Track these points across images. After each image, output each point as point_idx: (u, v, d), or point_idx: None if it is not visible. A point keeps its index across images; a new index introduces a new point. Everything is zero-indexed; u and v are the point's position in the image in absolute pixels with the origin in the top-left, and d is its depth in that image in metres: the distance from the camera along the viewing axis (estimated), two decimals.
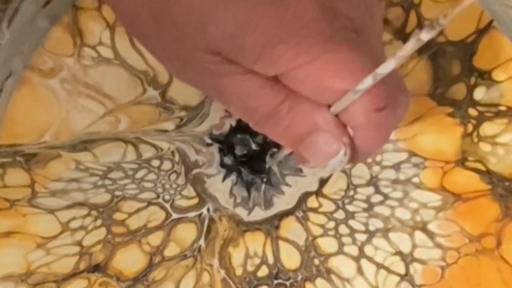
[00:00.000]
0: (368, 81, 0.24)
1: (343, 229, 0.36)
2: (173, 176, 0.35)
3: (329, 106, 0.26)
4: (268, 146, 0.35)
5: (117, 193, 0.35)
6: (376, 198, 0.36)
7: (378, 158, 0.35)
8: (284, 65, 0.24)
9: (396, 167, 0.35)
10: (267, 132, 0.28)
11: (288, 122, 0.27)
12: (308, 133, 0.27)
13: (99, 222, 0.35)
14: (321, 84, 0.25)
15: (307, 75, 0.25)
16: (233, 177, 0.36)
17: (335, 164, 0.27)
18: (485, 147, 0.35)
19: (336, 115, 0.26)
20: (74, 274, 0.35)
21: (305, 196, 0.36)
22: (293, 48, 0.24)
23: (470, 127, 0.35)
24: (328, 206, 0.36)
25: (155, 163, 0.35)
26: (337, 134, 0.27)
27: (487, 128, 0.35)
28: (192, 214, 0.35)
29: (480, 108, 0.35)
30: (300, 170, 0.36)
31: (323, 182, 0.36)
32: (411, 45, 0.21)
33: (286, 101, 0.26)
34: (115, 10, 0.29)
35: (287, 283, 0.36)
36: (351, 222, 0.36)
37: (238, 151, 0.36)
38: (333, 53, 0.24)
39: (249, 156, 0.36)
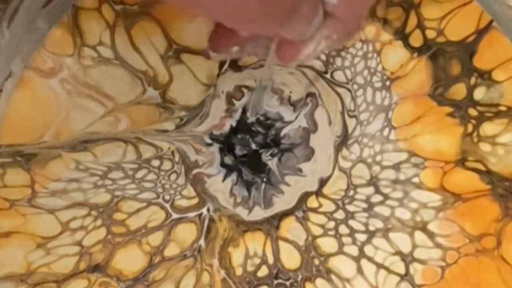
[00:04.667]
0: None
1: (343, 229, 0.36)
2: (173, 176, 0.35)
3: None
4: (268, 146, 0.35)
5: (117, 193, 0.35)
6: (376, 198, 0.36)
7: (378, 158, 0.35)
8: None
9: (396, 167, 0.35)
10: (256, 23, 0.26)
11: (277, 1, 0.25)
12: (295, 5, 0.26)
13: (99, 222, 0.35)
14: None
15: None
16: (233, 177, 0.36)
17: (316, 23, 0.27)
18: (485, 147, 0.35)
19: None
20: (74, 274, 0.35)
21: (305, 196, 0.36)
22: None
23: (470, 127, 0.35)
24: (328, 206, 0.36)
25: (155, 163, 0.35)
26: None
27: (487, 128, 0.35)
28: (192, 214, 0.35)
29: (480, 108, 0.35)
30: (300, 170, 0.36)
31: (323, 182, 0.36)
32: None
33: None
34: None
35: (287, 283, 0.36)
36: (351, 222, 0.36)
37: (238, 151, 0.36)
38: None
39: (249, 156, 0.36)
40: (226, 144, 0.35)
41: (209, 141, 0.35)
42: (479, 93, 0.35)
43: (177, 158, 0.35)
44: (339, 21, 0.27)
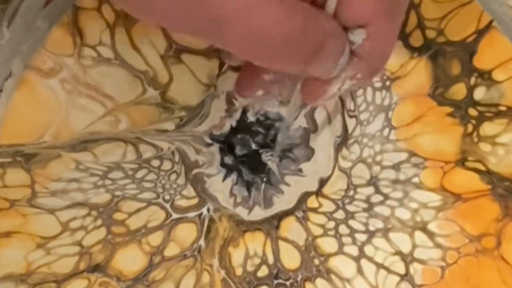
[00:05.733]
0: None
1: (343, 229, 0.36)
2: (173, 176, 0.35)
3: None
4: (268, 146, 0.35)
5: (117, 193, 0.35)
6: (376, 198, 0.36)
7: (378, 158, 0.35)
8: None
9: (396, 167, 0.35)
10: (280, 59, 0.26)
11: (303, 39, 0.25)
12: (321, 43, 0.25)
13: (99, 222, 0.35)
14: None
15: None
16: (233, 176, 0.36)
17: (343, 62, 0.26)
18: (485, 147, 0.35)
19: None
20: (74, 274, 0.35)
21: (305, 196, 0.36)
22: None
23: (470, 127, 0.35)
24: (328, 206, 0.36)
25: (155, 163, 0.35)
26: (341, 32, 0.26)
27: (487, 128, 0.35)
28: (192, 214, 0.35)
29: (480, 108, 0.35)
30: (300, 170, 0.36)
31: (323, 182, 0.36)
32: None
33: (296, 14, 0.24)
34: None
35: (287, 283, 0.36)
36: (351, 222, 0.36)
37: (238, 151, 0.36)
38: None
39: (249, 155, 0.36)
40: (226, 144, 0.35)
41: (209, 141, 0.35)
42: (479, 93, 0.35)
43: (177, 158, 0.35)
44: (364, 60, 0.27)
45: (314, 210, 0.36)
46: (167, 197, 0.35)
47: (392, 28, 0.27)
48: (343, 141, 0.36)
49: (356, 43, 0.26)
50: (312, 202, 0.36)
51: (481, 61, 0.35)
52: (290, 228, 0.36)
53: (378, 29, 0.26)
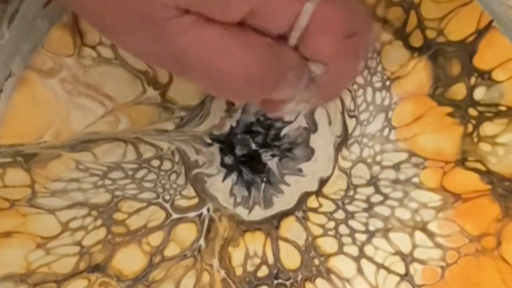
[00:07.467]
0: None
1: (343, 229, 0.36)
2: (173, 176, 0.35)
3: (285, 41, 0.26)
4: (268, 146, 0.35)
5: (117, 193, 0.35)
6: (376, 198, 0.36)
7: (378, 158, 0.35)
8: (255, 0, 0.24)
9: (396, 167, 0.35)
10: (244, 94, 0.27)
11: (265, 74, 0.26)
12: (282, 75, 0.26)
13: (99, 222, 0.35)
14: (291, 12, 0.25)
15: (277, 7, 0.25)
16: (233, 176, 0.36)
17: (301, 87, 0.27)
18: (485, 147, 0.35)
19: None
20: (74, 274, 0.35)
21: (305, 196, 0.36)
22: None
23: (470, 127, 0.35)
24: (328, 206, 0.36)
25: (155, 163, 0.35)
26: (301, 63, 0.27)
27: (487, 128, 0.35)
28: (192, 214, 0.35)
29: (480, 108, 0.35)
30: (300, 170, 0.36)
31: (323, 182, 0.36)
32: None
33: (257, 52, 0.25)
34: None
35: (287, 283, 0.36)
36: (351, 222, 0.36)
37: (238, 151, 0.36)
38: None
39: (249, 155, 0.36)
40: (226, 144, 0.35)
41: (209, 141, 0.35)
42: (479, 93, 0.35)
43: (177, 158, 0.35)
44: (320, 89, 0.28)
45: (314, 210, 0.36)
46: (167, 197, 0.35)
47: (350, 68, 0.28)
48: (343, 141, 0.36)
49: (315, 72, 0.27)
50: (312, 202, 0.36)
51: (481, 61, 0.35)
52: (290, 228, 0.36)
53: (336, 68, 0.27)
